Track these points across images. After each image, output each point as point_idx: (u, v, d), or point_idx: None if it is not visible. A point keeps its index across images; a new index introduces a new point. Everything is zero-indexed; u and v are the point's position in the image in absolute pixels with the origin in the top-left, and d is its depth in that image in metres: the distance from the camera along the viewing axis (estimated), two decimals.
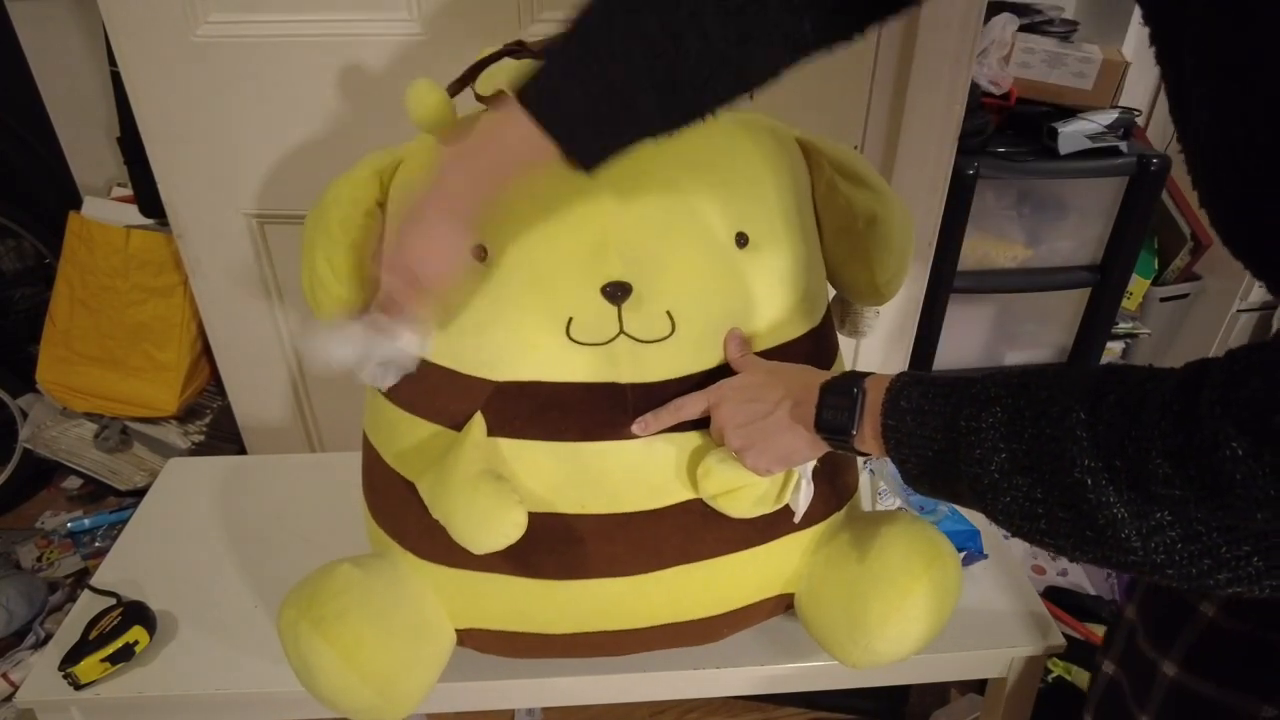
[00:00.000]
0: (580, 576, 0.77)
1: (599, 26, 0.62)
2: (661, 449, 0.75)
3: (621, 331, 0.73)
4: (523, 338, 0.74)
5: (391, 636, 0.76)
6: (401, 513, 0.82)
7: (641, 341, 0.74)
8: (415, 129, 0.79)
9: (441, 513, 0.73)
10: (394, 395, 0.81)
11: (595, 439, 0.74)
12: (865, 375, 0.67)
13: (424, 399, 0.79)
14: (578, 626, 0.80)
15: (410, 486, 0.79)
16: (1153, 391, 0.48)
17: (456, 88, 0.80)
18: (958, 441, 0.56)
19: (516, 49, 0.83)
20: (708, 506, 0.77)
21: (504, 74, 0.80)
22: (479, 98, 0.83)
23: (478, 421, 0.75)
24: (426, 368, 0.78)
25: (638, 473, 0.75)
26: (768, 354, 0.79)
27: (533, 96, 0.62)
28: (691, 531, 0.77)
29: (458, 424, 0.76)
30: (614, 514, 0.76)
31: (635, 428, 0.74)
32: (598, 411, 0.74)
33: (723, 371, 0.76)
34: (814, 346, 0.83)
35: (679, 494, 0.76)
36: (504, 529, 0.71)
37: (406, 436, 0.80)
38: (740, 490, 0.75)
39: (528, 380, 0.74)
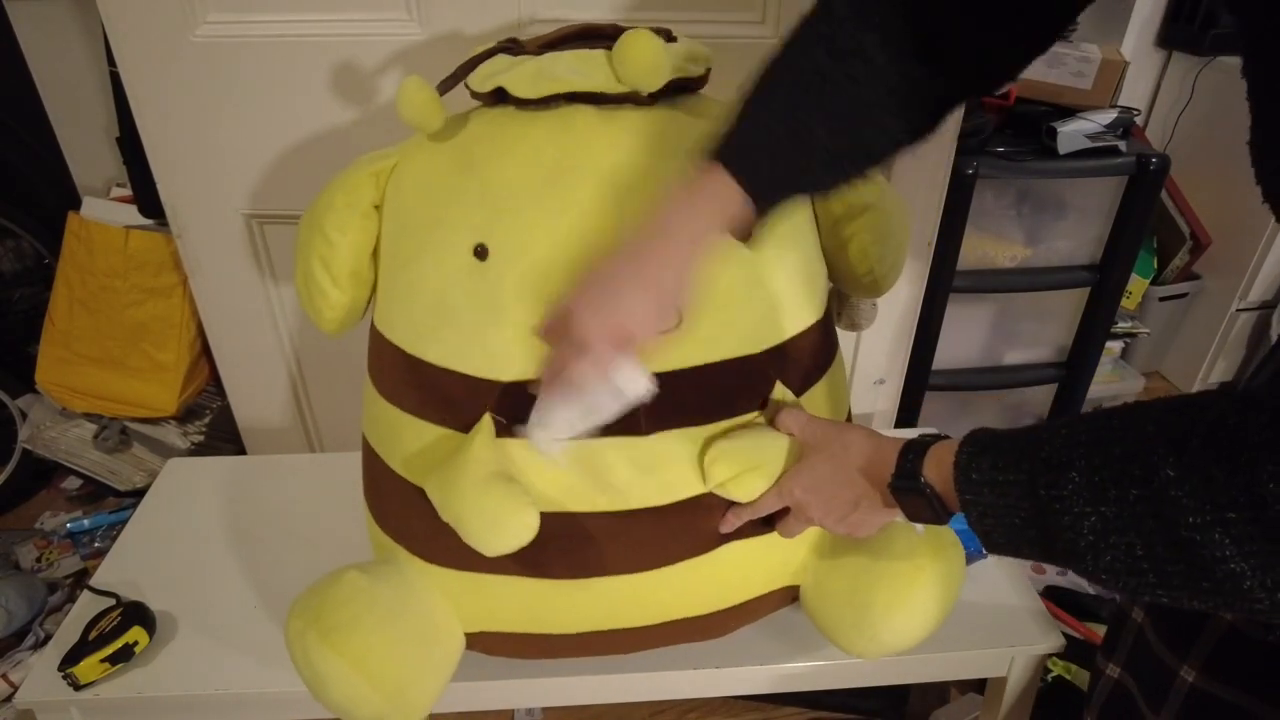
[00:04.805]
0: (590, 575, 0.77)
1: (777, 69, 0.66)
2: (668, 444, 0.76)
3: None
4: (528, 335, 0.74)
5: (401, 643, 0.76)
6: (407, 517, 0.81)
7: None
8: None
9: (452, 516, 0.73)
10: (399, 399, 0.81)
11: (602, 434, 0.74)
12: (922, 458, 0.65)
13: (430, 403, 0.79)
14: (587, 626, 0.80)
15: (416, 490, 0.78)
16: (1242, 429, 0.44)
17: (449, 84, 0.81)
18: (1043, 509, 0.54)
19: (511, 45, 0.83)
20: (714, 501, 0.77)
21: (497, 67, 0.81)
22: (473, 94, 0.84)
23: (486, 423, 0.75)
24: (431, 370, 0.78)
25: (645, 469, 0.75)
26: (777, 348, 0.79)
27: (719, 146, 0.67)
28: (699, 526, 0.78)
29: (465, 426, 0.76)
30: (622, 511, 0.76)
31: (722, 527, 0.77)
32: None
33: (731, 365, 0.76)
34: (820, 339, 0.83)
35: (686, 489, 0.77)
36: (516, 531, 0.71)
37: (412, 441, 0.80)
38: (752, 471, 0.75)
39: (535, 379, 0.74)
